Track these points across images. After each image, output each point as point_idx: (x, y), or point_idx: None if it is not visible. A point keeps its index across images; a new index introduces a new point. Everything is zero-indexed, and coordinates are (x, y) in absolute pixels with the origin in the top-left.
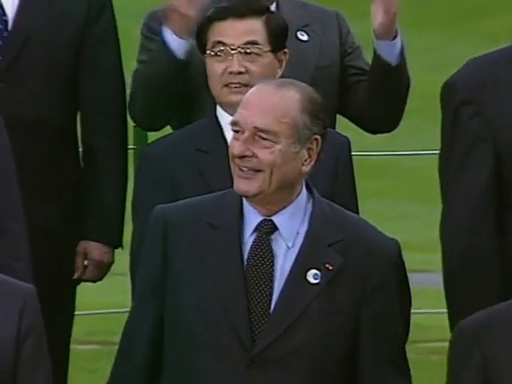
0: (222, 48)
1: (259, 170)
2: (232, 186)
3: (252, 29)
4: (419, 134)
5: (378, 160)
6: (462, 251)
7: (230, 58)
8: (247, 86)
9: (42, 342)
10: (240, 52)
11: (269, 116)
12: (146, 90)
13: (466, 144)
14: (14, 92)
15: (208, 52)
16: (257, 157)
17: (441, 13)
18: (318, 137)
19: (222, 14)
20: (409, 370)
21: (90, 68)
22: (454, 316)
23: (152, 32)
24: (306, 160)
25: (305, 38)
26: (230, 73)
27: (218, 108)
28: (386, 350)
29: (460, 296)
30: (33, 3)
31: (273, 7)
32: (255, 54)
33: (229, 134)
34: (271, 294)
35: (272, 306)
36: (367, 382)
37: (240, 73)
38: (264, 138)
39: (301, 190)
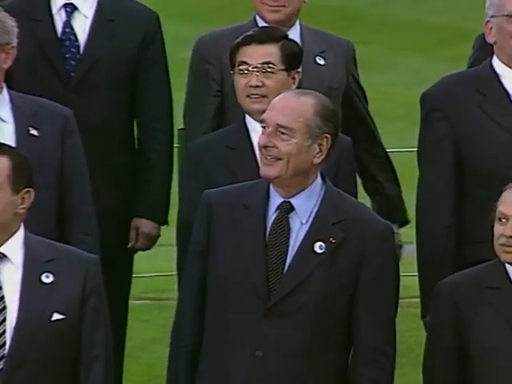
0: (245, 67)
1: (279, 159)
2: (254, 177)
3: (269, 52)
4: (404, 135)
5: None
6: (428, 226)
7: (251, 74)
8: (265, 96)
9: (103, 302)
10: (258, 70)
11: (288, 116)
12: None
13: (434, 141)
14: (84, 103)
15: (235, 70)
16: (277, 147)
17: (423, 39)
18: (328, 135)
19: (247, 41)
20: (394, 337)
21: (144, 84)
22: (422, 273)
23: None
24: (317, 153)
25: (322, 62)
26: (250, 86)
27: (247, 115)
28: (378, 311)
29: (424, 254)
30: (99, 33)
31: (296, 35)
32: (270, 72)
33: (254, 136)
34: (285, 260)
35: (285, 269)
36: (358, 339)
37: (257, 86)
38: (283, 133)
39: (315, 178)
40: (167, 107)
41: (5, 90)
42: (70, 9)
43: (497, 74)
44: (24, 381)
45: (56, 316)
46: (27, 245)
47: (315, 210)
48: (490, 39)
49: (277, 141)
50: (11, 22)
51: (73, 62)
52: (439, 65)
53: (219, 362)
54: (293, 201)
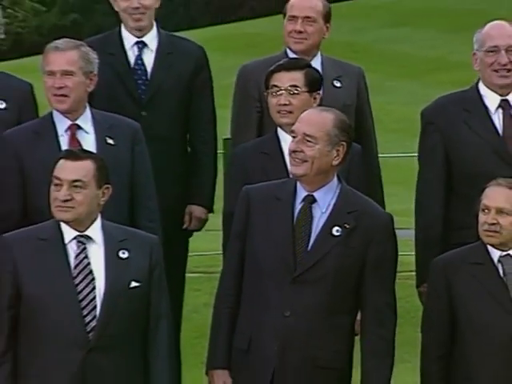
0: (276, 89)
1: (305, 161)
2: (283, 176)
3: (295, 77)
4: (402, 143)
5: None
6: (423, 216)
7: (280, 95)
8: (291, 112)
9: (163, 274)
10: (286, 91)
11: (313, 127)
12: None
13: (429, 147)
14: (152, 118)
15: (268, 91)
16: (304, 152)
17: (416, 68)
18: (344, 143)
19: (278, 68)
20: (395, 302)
21: (196, 103)
22: (417, 252)
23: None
24: (335, 157)
25: (338, 84)
26: (280, 104)
27: (278, 128)
28: (383, 282)
29: (420, 236)
30: (162, 64)
31: (318, 63)
32: (295, 93)
33: (284, 144)
34: (309, 240)
35: (309, 247)
36: (367, 303)
37: (285, 104)
38: (309, 141)
39: (333, 177)
40: (212, 121)
41: (87, 109)
42: (141, 45)
43: (480, 95)
44: (112, 334)
45: (133, 284)
46: (104, 229)
47: (333, 202)
48: (476, 68)
49: (304, 147)
50: (93, 55)
51: (143, 87)
52: (429, 88)
53: (254, 321)
54: (315, 194)
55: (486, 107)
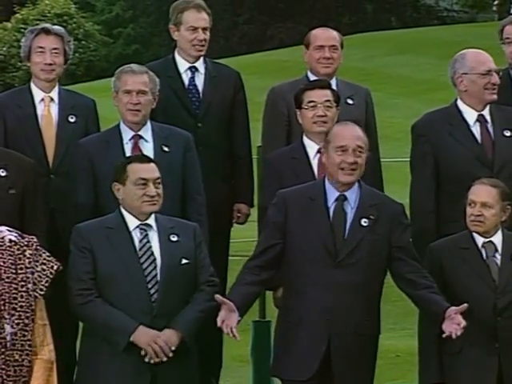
0: (313, 103)
1: (356, 169)
2: (309, 177)
3: (328, 94)
4: (403, 150)
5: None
6: (418, 211)
7: (318, 108)
8: (326, 122)
9: (206, 252)
10: (322, 105)
11: (359, 140)
12: None
13: (421, 156)
14: (205, 129)
15: (304, 106)
16: (357, 162)
17: (415, 88)
18: (367, 151)
19: (312, 87)
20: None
21: (236, 117)
22: (413, 241)
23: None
24: (366, 161)
25: (351, 102)
26: (318, 116)
27: (304, 136)
28: (410, 253)
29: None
30: (210, 85)
31: (334, 85)
32: (329, 106)
33: (309, 150)
34: (344, 230)
35: (345, 237)
36: (409, 268)
37: (322, 116)
38: (360, 151)
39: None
40: (247, 130)
41: (148, 122)
42: (194, 69)
43: (460, 111)
44: (169, 302)
45: (184, 261)
46: (157, 219)
47: (358, 198)
48: (461, 88)
49: (356, 157)
50: (156, 78)
51: (196, 103)
52: (425, 105)
53: (301, 300)
54: (346, 194)
55: (465, 121)
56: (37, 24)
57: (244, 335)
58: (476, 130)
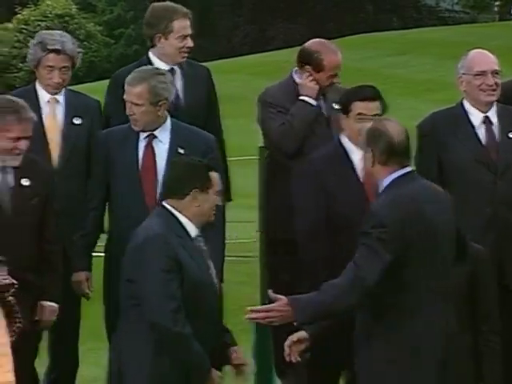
0: (363, 116)
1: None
2: (352, 177)
3: (378, 106)
4: None
5: None
6: None
7: (367, 120)
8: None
9: None
10: (369, 118)
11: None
12: (300, 132)
13: (426, 154)
14: None
15: (351, 116)
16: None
17: (416, 88)
18: None
19: (363, 96)
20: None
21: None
22: None
23: (279, 106)
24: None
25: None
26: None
27: (342, 136)
28: None
29: None
30: (192, 91)
31: None
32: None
33: (350, 152)
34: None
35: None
36: None
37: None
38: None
39: None
40: (220, 124)
41: (168, 121)
42: (173, 71)
43: (466, 112)
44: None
45: None
46: None
47: None
48: (462, 88)
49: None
50: (165, 84)
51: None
52: (426, 105)
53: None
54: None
55: (470, 122)
56: (38, 25)
57: (244, 335)
58: (481, 131)
